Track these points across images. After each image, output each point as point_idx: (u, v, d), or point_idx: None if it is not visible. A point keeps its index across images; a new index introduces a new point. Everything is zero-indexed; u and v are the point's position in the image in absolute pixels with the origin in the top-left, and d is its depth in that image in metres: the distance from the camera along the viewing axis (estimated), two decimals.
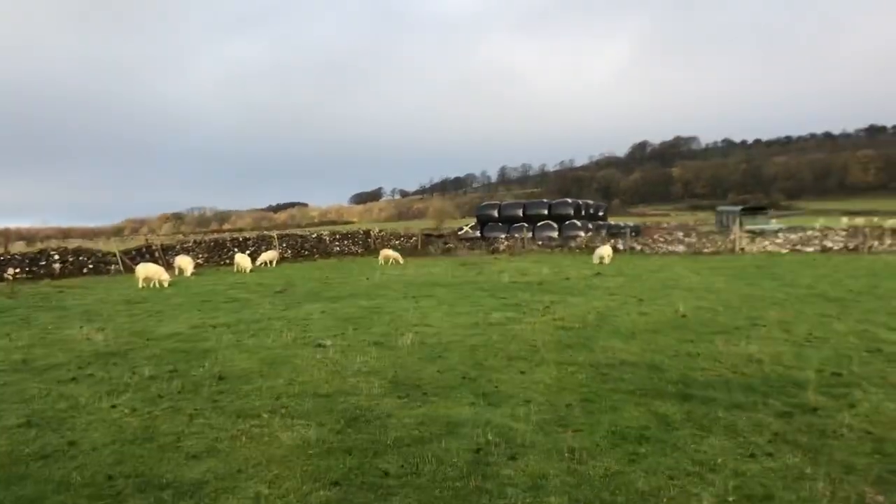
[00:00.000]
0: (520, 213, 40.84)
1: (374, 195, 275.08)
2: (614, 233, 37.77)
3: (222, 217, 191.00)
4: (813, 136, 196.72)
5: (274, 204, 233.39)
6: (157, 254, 29.05)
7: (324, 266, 30.15)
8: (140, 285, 21.57)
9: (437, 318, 12.85)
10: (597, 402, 7.01)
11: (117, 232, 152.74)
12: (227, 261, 31.10)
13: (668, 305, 13.89)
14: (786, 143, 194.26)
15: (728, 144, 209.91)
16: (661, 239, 35.21)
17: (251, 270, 27.13)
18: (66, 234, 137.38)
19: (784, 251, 31.53)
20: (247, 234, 35.94)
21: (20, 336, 11.76)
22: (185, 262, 26.04)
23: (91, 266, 26.89)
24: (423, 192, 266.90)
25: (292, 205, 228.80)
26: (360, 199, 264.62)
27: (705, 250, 33.16)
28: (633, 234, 38.20)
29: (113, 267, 27.24)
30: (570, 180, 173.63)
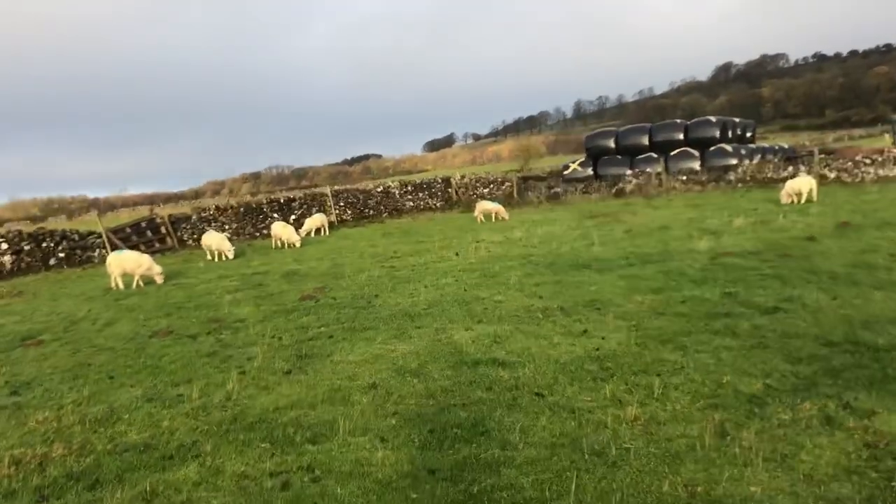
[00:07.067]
0: (645, 140, 30.39)
1: (447, 141, 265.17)
2: (790, 157, 27.07)
3: (300, 174, 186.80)
4: None
5: (349, 157, 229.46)
6: (163, 229, 20.82)
7: (393, 230, 21.82)
8: (113, 284, 13.96)
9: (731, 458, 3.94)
10: None
11: (196, 196, 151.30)
12: (265, 231, 23.06)
13: None
14: (886, 52, 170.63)
15: (820, 59, 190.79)
16: (867, 160, 24.44)
17: (300, 244, 19.20)
18: (150, 199, 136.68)
19: None
20: (291, 195, 27.52)
21: None
22: (214, 241, 17.58)
23: (63, 255, 18.49)
24: (495, 134, 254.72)
25: (367, 157, 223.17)
26: (433, 146, 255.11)
27: None
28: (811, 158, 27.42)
29: (97, 253, 18.93)
30: (650, 109, 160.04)
